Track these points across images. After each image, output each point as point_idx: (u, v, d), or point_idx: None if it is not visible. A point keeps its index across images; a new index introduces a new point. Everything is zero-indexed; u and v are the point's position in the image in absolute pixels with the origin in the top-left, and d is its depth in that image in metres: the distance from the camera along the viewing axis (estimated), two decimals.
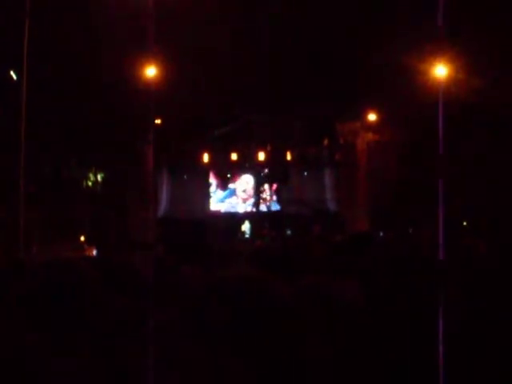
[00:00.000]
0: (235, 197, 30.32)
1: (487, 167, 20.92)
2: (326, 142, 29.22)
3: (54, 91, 20.79)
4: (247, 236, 29.41)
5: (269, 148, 29.13)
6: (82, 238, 23.20)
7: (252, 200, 30.12)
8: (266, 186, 29.99)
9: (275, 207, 30.06)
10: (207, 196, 30.22)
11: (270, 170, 29.46)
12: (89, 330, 3.23)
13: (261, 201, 29.90)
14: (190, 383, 2.85)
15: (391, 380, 3.52)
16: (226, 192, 30.42)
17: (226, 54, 22.47)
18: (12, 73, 19.71)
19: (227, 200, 30.39)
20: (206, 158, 29.56)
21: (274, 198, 30.10)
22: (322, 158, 29.51)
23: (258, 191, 29.84)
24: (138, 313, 3.49)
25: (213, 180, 30.44)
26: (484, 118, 20.73)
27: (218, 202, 30.47)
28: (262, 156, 29.25)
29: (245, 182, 30.21)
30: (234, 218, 29.80)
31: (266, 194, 29.95)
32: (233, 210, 30.30)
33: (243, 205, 30.26)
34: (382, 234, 23.17)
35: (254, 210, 29.91)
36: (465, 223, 22.41)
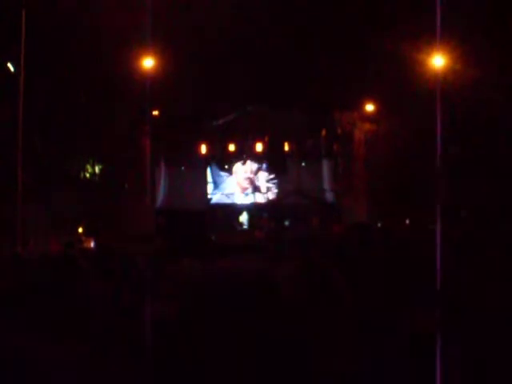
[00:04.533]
0: (234, 186, 29.84)
1: (486, 159, 20.89)
2: (323, 132, 29.15)
3: (52, 83, 20.73)
4: (245, 227, 29.34)
5: (266, 139, 29.07)
6: (80, 230, 23.18)
7: (250, 190, 29.83)
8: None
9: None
10: (205, 187, 30.06)
11: (267, 161, 29.39)
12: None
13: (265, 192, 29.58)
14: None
15: None
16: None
17: (224, 45, 22.41)
18: (9, 64, 19.64)
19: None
20: (203, 149, 29.45)
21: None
22: (319, 149, 29.43)
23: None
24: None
25: None
26: (482, 108, 20.69)
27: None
28: (259, 147, 29.18)
29: (249, 170, 29.72)
30: (232, 209, 29.64)
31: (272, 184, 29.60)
32: (229, 202, 29.87)
33: (241, 195, 29.81)
34: (379, 224, 23.20)
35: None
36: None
